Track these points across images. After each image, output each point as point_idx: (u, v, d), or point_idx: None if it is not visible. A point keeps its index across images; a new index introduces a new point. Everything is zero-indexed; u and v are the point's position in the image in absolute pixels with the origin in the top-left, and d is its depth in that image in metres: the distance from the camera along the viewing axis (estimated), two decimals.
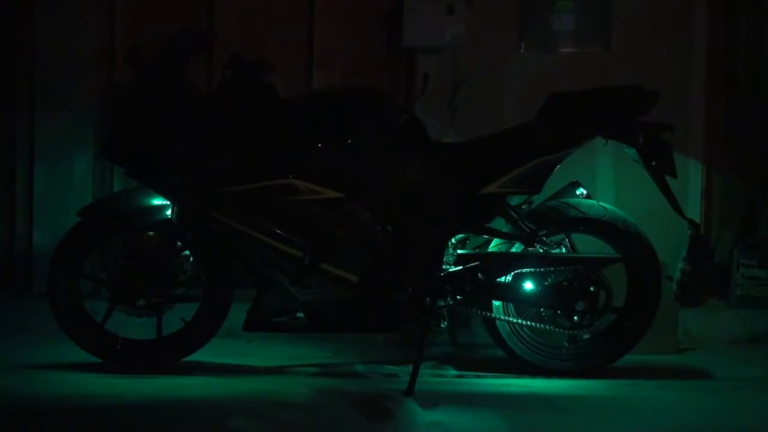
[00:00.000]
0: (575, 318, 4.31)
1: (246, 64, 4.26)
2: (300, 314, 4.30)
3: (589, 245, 4.45)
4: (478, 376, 4.39)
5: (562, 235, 4.38)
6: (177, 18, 5.06)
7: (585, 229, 4.39)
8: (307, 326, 4.32)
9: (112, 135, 4.28)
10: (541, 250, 4.32)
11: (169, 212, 4.25)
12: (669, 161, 4.25)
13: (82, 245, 4.32)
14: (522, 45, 5.18)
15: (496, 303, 4.36)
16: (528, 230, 4.30)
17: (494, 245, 4.40)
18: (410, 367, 4.10)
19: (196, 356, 4.38)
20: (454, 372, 4.47)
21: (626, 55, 5.15)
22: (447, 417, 3.79)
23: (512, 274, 4.31)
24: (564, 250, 4.36)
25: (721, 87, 5.29)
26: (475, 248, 4.41)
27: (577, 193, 4.40)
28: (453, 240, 4.33)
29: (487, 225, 4.35)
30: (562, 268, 4.31)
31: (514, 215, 4.32)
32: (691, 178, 5.20)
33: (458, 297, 4.25)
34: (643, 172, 4.29)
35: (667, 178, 4.27)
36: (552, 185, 4.38)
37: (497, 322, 4.38)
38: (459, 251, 4.33)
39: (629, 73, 4.78)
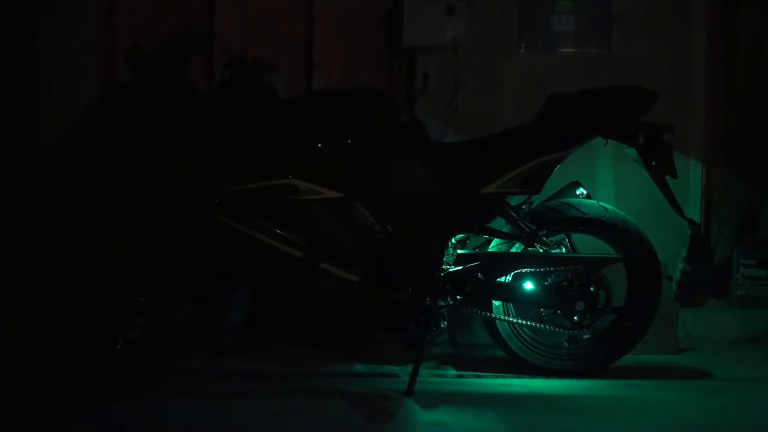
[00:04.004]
0: (575, 318, 4.31)
1: (246, 64, 4.27)
2: (300, 314, 4.30)
3: (589, 245, 4.45)
4: (478, 376, 4.40)
5: (562, 235, 4.38)
6: (177, 18, 5.06)
7: (585, 229, 4.39)
8: (308, 326, 4.33)
9: (113, 135, 4.29)
10: (541, 250, 4.33)
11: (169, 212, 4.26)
12: (669, 161, 4.25)
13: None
14: (522, 45, 5.17)
15: (496, 303, 4.37)
16: (528, 230, 4.30)
17: (494, 245, 4.40)
18: (410, 367, 4.11)
19: (196, 357, 4.39)
20: (454, 372, 4.47)
21: (626, 55, 5.14)
22: (447, 417, 3.80)
23: (512, 274, 4.32)
24: (564, 250, 4.36)
25: (721, 87, 5.28)
26: (475, 248, 4.41)
27: (577, 193, 4.40)
28: (453, 240, 4.33)
29: (487, 225, 4.35)
30: (562, 268, 4.31)
31: (514, 215, 4.32)
32: (691, 178, 5.19)
33: (458, 297, 4.25)
34: (643, 172, 4.29)
35: (667, 178, 4.27)
36: (552, 185, 4.38)
37: (497, 322, 4.38)
38: (459, 251, 4.33)
39: (629, 73, 4.78)
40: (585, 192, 4.41)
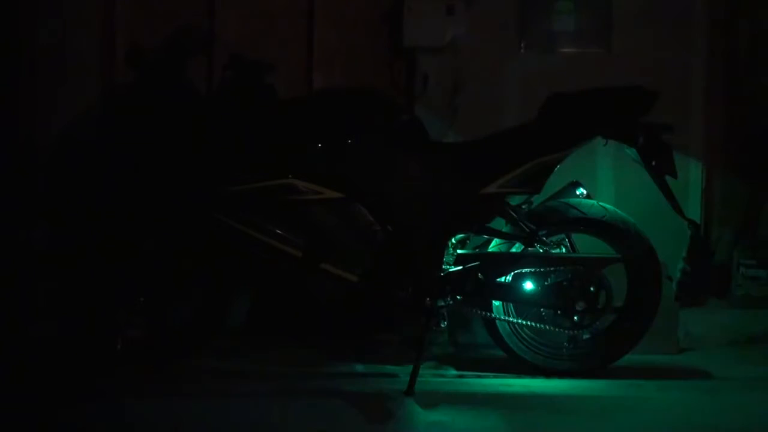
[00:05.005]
0: (575, 318, 4.31)
1: (246, 64, 4.27)
2: (300, 314, 4.30)
3: (589, 245, 4.45)
4: (478, 376, 4.40)
5: (562, 235, 4.38)
6: (177, 18, 5.06)
7: (585, 229, 4.39)
8: (308, 326, 4.33)
9: (113, 135, 4.29)
10: (541, 250, 4.32)
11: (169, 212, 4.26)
12: (669, 161, 4.25)
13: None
14: (522, 45, 5.17)
15: (496, 303, 4.36)
16: (528, 230, 4.30)
17: (494, 245, 4.40)
18: (410, 367, 4.11)
19: (196, 357, 4.39)
20: (454, 372, 4.47)
21: (626, 56, 5.14)
22: (447, 417, 3.80)
23: (512, 274, 4.31)
24: (564, 250, 4.36)
25: (721, 87, 5.28)
26: (475, 248, 4.41)
27: (577, 193, 4.41)
28: (453, 240, 4.33)
29: (487, 225, 4.35)
30: (562, 268, 4.31)
31: (514, 215, 4.32)
32: (691, 178, 5.19)
33: (458, 297, 4.25)
34: (643, 172, 4.29)
35: (667, 178, 4.27)
36: (552, 185, 4.38)
37: (497, 322, 4.38)
38: (459, 251, 4.33)
39: (629, 74, 4.78)
40: (585, 192, 4.41)
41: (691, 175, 5.19)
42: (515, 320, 4.37)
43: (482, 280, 4.27)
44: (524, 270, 4.31)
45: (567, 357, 4.40)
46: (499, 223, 4.38)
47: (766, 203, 5.30)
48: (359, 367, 4.48)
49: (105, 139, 5.02)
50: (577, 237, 4.41)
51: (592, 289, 4.30)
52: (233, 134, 4.19)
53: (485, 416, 3.84)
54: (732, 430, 3.78)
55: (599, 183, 5.07)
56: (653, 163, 4.24)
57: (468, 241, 4.39)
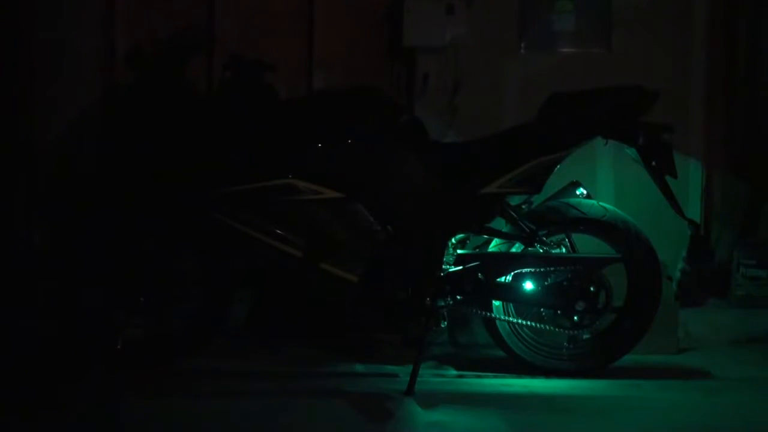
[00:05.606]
0: (575, 318, 4.31)
1: (246, 64, 4.27)
2: (300, 314, 4.30)
3: (589, 245, 4.45)
4: (478, 376, 4.40)
5: (562, 235, 4.38)
6: (177, 18, 5.06)
7: (585, 229, 4.39)
8: (308, 326, 4.33)
9: (113, 135, 4.29)
10: (541, 250, 4.33)
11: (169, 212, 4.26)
12: (669, 161, 4.26)
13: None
14: (522, 45, 5.17)
15: (496, 303, 4.36)
16: (528, 230, 4.30)
17: (494, 245, 4.40)
18: (410, 367, 4.11)
19: (196, 357, 4.39)
20: (454, 372, 4.47)
21: (626, 56, 5.14)
22: (447, 417, 3.80)
23: (512, 274, 4.32)
24: (564, 250, 4.36)
25: (721, 87, 5.28)
26: (475, 248, 4.41)
27: (577, 193, 4.40)
28: (453, 240, 4.33)
29: (487, 225, 4.35)
30: (562, 268, 4.31)
31: (514, 215, 4.32)
32: (691, 178, 5.19)
33: (458, 297, 4.25)
34: (643, 172, 4.30)
35: (667, 178, 4.27)
36: (552, 185, 4.38)
37: (497, 322, 4.38)
38: (459, 251, 4.33)
39: (629, 74, 4.78)
40: (585, 192, 4.41)
41: (691, 175, 5.19)
42: (515, 320, 4.37)
43: (482, 280, 4.27)
44: (524, 270, 4.31)
45: (567, 357, 4.40)
46: (499, 223, 4.38)
47: (766, 203, 5.30)
48: (359, 367, 4.48)
49: (105, 138, 5.02)
50: (577, 237, 4.41)
51: (592, 289, 4.30)
52: (233, 134, 4.19)
53: (485, 416, 3.84)
54: (732, 430, 3.78)
55: (599, 183, 5.08)
56: (653, 163, 4.24)
57: (468, 241, 4.39)
